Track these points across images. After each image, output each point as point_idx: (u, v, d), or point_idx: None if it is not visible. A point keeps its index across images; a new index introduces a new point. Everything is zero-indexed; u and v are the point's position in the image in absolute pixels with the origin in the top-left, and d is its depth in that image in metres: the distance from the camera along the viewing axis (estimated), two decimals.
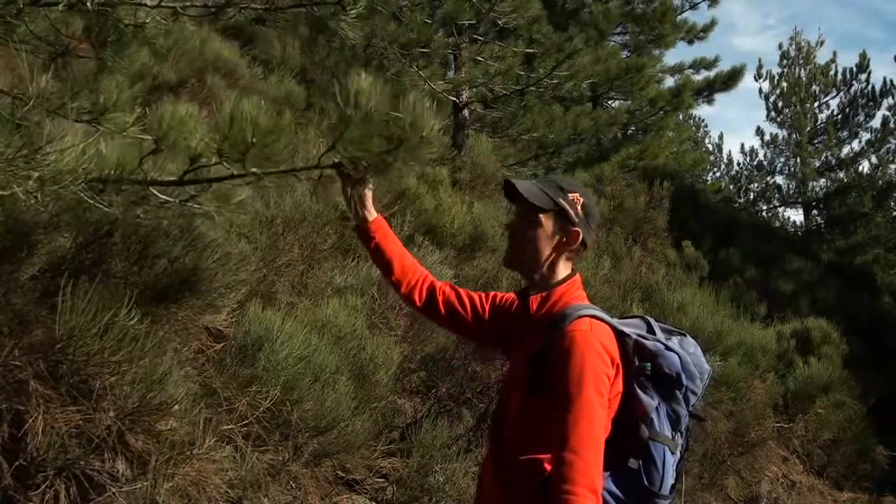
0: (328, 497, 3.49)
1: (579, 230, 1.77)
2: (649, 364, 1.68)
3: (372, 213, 1.97)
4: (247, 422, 3.20)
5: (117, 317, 2.66)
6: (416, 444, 3.78)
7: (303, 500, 3.33)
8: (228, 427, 3.13)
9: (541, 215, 1.76)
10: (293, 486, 3.34)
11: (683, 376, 1.70)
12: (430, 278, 2.03)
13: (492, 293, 2.02)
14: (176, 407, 2.80)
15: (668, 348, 1.71)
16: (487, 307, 1.97)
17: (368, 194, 1.92)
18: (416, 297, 2.00)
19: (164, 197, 1.74)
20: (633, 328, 1.77)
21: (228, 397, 3.24)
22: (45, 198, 1.57)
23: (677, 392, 1.70)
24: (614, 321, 1.74)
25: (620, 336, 1.71)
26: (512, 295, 1.95)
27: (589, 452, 1.53)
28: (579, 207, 1.78)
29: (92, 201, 1.59)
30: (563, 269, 1.79)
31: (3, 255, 2.78)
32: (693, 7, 12.39)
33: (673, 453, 1.69)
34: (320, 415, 3.41)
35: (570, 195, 1.78)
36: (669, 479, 1.67)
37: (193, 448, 2.87)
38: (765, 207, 20.31)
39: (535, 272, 1.79)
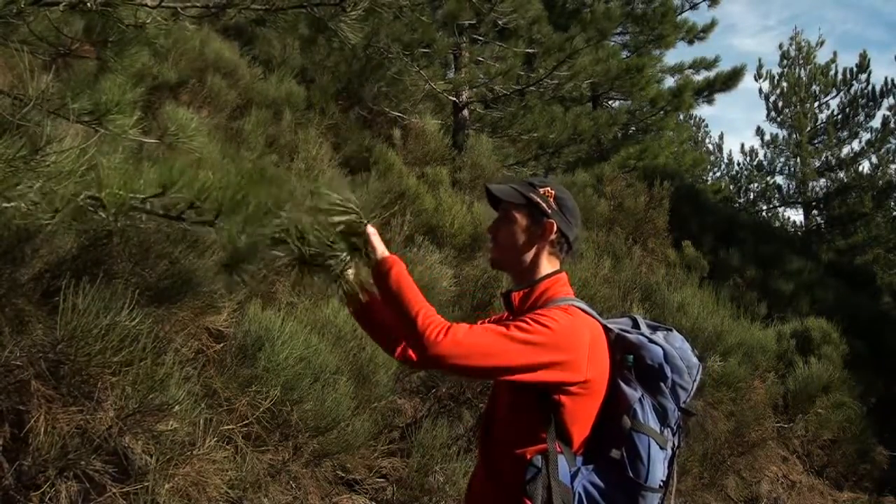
0: (328, 497, 3.50)
1: (553, 221, 1.79)
2: (631, 356, 1.71)
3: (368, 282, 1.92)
4: (247, 422, 3.21)
5: (118, 317, 2.67)
6: (416, 444, 3.79)
7: (303, 500, 3.33)
8: (228, 427, 3.13)
9: (514, 211, 1.81)
10: (293, 486, 3.34)
11: (667, 369, 1.71)
12: None
13: (489, 319, 2.04)
14: (176, 408, 2.80)
15: (651, 341, 1.73)
16: None
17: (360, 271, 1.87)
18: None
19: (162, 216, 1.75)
20: (617, 324, 1.80)
21: (229, 397, 3.24)
22: (44, 209, 1.58)
23: (662, 385, 1.71)
24: (599, 317, 1.77)
25: (604, 329, 1.74)
26: (498, 316, 1.97)
27: (475, 338, 1.58)
28: (552, 200, 1.82)
29: (91, 209, 1.60)
30: (547, 266, 1.81)
31: (5, 255, 2.78)
32: (693, 7, 12.36)
33: (662, 448, 1.69)
34: (320, 415, 3.41)
35: (541, 189, 1.82)
36: (657, 473, 1.67)
37: (194, 448, 2.87)
38: (765, 207, 20.32)
39: (517, 267, 1.82)
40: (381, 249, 1.74)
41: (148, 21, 2.49)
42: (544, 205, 1.80)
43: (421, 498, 3.65)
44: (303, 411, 3.39)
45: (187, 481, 2.82)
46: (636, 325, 1.81)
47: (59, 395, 2.68)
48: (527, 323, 1.62)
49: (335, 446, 3.50)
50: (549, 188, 1.83)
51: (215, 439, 2.97)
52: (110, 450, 2.69)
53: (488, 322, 1.98)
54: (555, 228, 1.79)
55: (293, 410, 3.36)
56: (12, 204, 1.55)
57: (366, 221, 1.76)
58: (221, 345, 3.51)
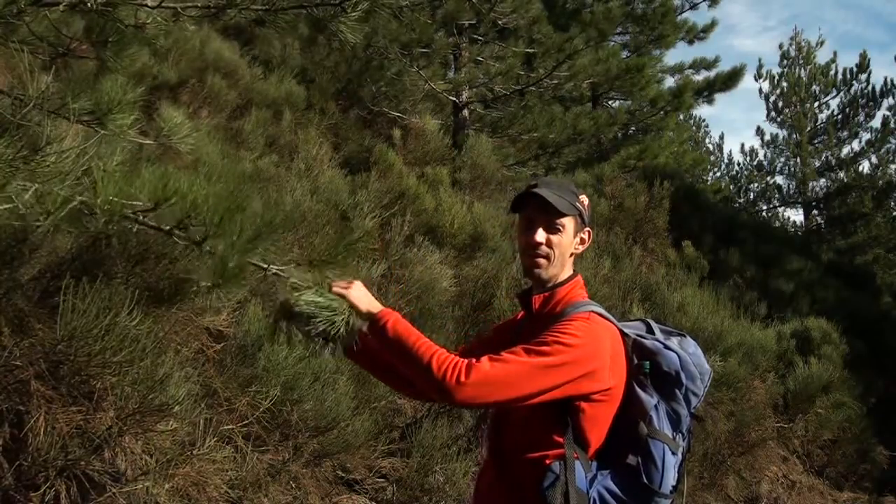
0: (328, 497, 3.50)
1: (590, 230, 1.84)
2: (648, 363, 1.71)
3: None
4: (247, 422, 3.21)
5: (118, 318, 2.66)
6: (416, 444, 3.79)
7: (303, 500, 3.33)
8: (228, 427, 3.13)
9: (565, 220, 1.78)
10: (293, 486, 3.34)
11: (683, 375, 1.71)
12: None
13: (492, 326, 2.04)
14: (176, 408, 2.80)
15: (667, 347, 1.73)
16: (495, 340, 1.94)
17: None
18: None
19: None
20: (632, 329, 1.80)
21: (228, 397, 3.24)
22: (38, 211, 1.58)
23: (677, 391, 1.71)
24: (616, 322, 1.76)
25: (621, 334, 1.74)
26: (506, 321, 1.98)
27: (497, 372, 1.55)
28: (586, 208, 1.83)
29: (86, 213, 1.60)
30: (568, 269, 1.82)
31: (4, 256, 2.78)
32: (693, 7, 12.34)
33: (674, 453, 1.69)
34: (320, 415, 3.41)
35: (580, 197, 1.83)
36: (670, 479, 1.68)
37: (194, 448, 2.87)
38: (765, 207, 20.35)
39: (556, 276, 1.80)
40: (367, 307, 1.70)
41: (148, 21, 2.49)
42: (586, 214, 1.82)
43: (421, 498, 3.65)
44: (303, 411, 3.39)
45: (187, 481, 2.82)
46: (650, 330, 1.80)
47: (59, 396, 2.68)
48: (548, 344, 1.60)
49: (335, 446, 3.50)
50: (584, 195, 1.84)
51: (215, 439, 2.96)
52: (110, 450, 2.69)
53: (494, 329, 1.99)
54: (591, 236, 1.84)
55: (293, 410, 3.36)
56: (8, 206, 1.55)
57: (347, 305, 1.70)
58: (221, 345, 3.51)
